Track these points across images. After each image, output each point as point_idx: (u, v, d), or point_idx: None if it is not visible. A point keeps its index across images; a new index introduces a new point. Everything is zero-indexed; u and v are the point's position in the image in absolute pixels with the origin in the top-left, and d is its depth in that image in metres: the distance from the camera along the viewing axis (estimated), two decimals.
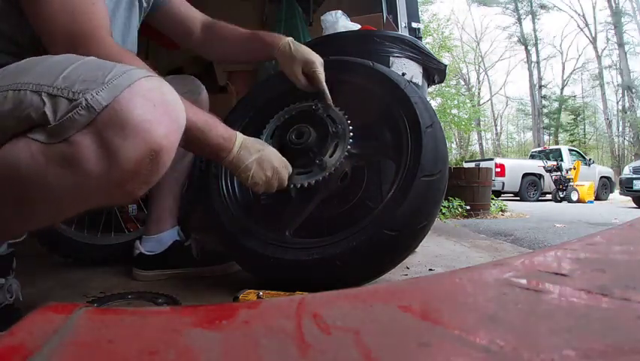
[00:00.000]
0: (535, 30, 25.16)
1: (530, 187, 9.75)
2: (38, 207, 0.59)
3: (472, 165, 8.69)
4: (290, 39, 1.01)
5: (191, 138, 0.73)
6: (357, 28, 1.38)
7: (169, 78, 1.09)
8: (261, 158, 0.83)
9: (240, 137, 0.82)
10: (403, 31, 2.41)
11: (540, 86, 25.20)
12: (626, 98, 22.61)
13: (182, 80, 1.12)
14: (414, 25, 2.50)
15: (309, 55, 0.99)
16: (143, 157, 0.54)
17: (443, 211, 4.08)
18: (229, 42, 1.09)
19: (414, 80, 1.25)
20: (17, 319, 0.22)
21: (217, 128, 0.79)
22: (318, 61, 0.99)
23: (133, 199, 0.60)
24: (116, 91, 0.53)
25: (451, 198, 4.36)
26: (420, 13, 2.79)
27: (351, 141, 0.95)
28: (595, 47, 23.82)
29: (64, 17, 0.67)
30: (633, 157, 19.70)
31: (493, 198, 5.23)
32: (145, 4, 0.99)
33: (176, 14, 1.07)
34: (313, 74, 0.98)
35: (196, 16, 1.10)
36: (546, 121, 25.05)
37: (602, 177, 10.84)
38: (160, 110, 0.56)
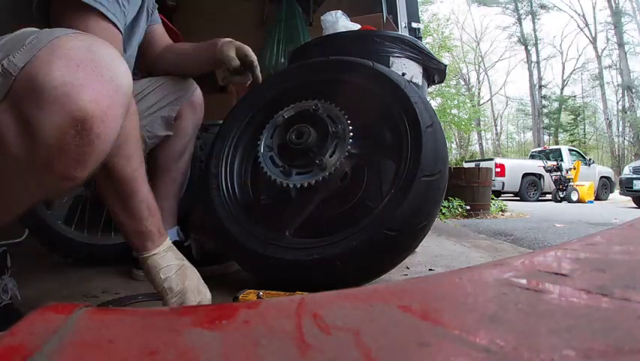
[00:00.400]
0: (535, 30, 25.17)
1: (530, 187, 9.75)
2: None
3: (472, 165, 8.69)
4: (224, 41, 1.07)
5: (130, 211, 0.67)
6: (357, 28, 1.38)
7: (164, 78, 1.10)
8: (184, 266, 0.74)
9: (168, 240, 0.75)
10: (403, 31, 2.41)
11: (540, 86, 25.20)
12: (626, 98, 22.61)
13: (176, 80, 1.12)
14: (414, 25, 2.50)
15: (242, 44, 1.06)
16: (64, 128, 0.46)
17: (443, 211, 4.08)
18: (179, 54, 1.13)
19: (414, 80, 1.25)
20: (17, 319, 0.22)
21: (157, 221, 0.72)
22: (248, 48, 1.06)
23: (72, 183, 0.52)
24: (34, 50, 0.46)
25: (451, 198, 4.36)
26: (420, 13, 2.79)
27: (351, 140, 0.95)
28: (595, 47, 23.83)
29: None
30: (633, 157, 19.70)
31: (493, 198, 5.23)
32: (150, 17, 1.07)
33: (153, 38, 1.13)
34: (245, 57, 1.04)
35: (165, 42, 1.16)
36: (546, 121, 25.05)
37: (602, 177, 10.84)
38: (86, 70, 0.47)
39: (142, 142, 0.74)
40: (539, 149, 12.81)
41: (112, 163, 0.63)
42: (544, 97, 25.49)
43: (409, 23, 2.50)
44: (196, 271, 0.78)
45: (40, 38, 0.48)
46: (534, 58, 25.46)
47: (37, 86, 0.45)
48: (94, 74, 0.47)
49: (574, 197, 8.71)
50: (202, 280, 0.78)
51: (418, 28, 2.52)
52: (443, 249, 1.62)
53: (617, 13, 22.09)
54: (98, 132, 0.48)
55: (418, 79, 1.31)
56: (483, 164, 8.86)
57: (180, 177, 1.17)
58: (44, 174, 0.49)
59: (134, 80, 0.60)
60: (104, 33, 0.72)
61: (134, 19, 0.96)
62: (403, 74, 1.20)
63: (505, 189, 9.43)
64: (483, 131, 26.17)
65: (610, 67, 23.72)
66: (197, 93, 1.18)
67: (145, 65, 1.15)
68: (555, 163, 9.40)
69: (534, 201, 9.38)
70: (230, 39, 1.07)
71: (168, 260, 0.73)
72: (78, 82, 0.46)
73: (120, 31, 0.79)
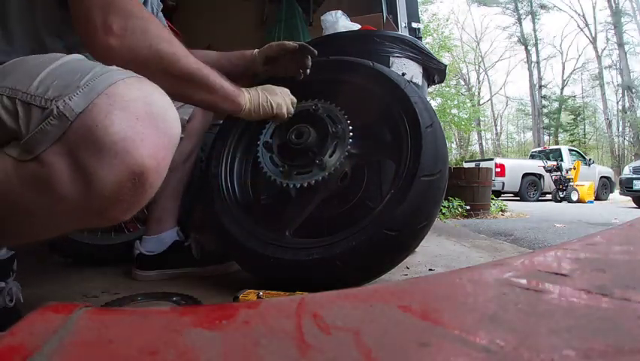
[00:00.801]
0: (535, 30, 25.17)
1: (530, 187, 9.75)
2: (12, 227, 0.53)
3: (472, 165, 8.69)
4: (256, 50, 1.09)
5: (213, 92, 0.75)
6: (357, 28, 1.38)
7: None
8: (265, 89, 0.90)
9: (244, 89, 0.86)
10: (402, 31, 2.41)
11: (540, 86, 25.21)
12: (626, 98, 22.62)
13: None
14: (414, 25, 2.50)
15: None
16: (123, 182, 0.47)
17: (443, 211, 4.08)
18: (203, 59, 1.14)
19: (414, 80, 1.25)
20: (17, 320, 0.22)
21: (225, 80, 0.80)
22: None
23: (118, 222, 0.54)
24: (92, 94, 0.46)
25: (451, 198, 4.36)
26: (420, 13, 2.79)
27: (351, 140, 0.95)
28: (595, 47, 23.84)
29: None
30: (633, 157, 19.70)
31: (493, 198, 5.23)
32: (156, 12, 1.05)
33: None
34: (286, 46, 1.05)
35: None
36: (546, 121, 25.06)
37: (602, 177, 10.84)
38: (144, 123, 0.47)
39: None
40: (539, 149, 12.81)
41: (185, 69, 0.70)
42: (544, 97, 25.50)
43: (409, 23, 2.50)
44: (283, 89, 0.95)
45: (97, 81, 0.48)
46: (534, 58, 25.48)
47: (98, 138, 0.45)
48: (151, 128, 0.48)
49: (574, 197, 8.71)
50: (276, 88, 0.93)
51: (418, 28, 2.52)
52: (443, 249, 1.62)
53: (617, 13, 22.10)
54: (152, 182, 0.50)
55: (418, 79, 1.31)
56: (483, 164, 8.86)
57: (187, 178, 1.17)
58: (95, 217, 0.50)
59: None
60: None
61: None
62: (403, 74, 1.20)
63: (505, 189, 9.43)
64: (483, 131, 26.18)
65: (610, 67, 23.74)
66: None
67: None
68: (555, 163, 9.40)
69: (534, 201, 9.38)
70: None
71: (259, 99, 0.86)
72: (138, 137, 0.47)
73: None
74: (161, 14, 1.12)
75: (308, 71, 1.05)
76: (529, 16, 25.04)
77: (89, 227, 0.55)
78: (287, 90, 0.95)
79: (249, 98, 0.85)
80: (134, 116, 0.47)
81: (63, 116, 0.46)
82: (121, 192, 0.47)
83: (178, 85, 0.69)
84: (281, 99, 0.91)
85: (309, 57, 1.03)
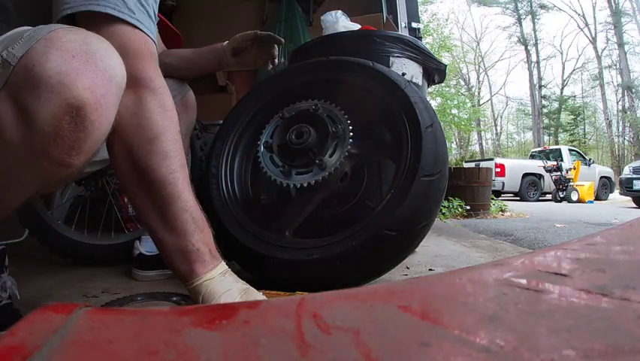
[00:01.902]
0: (535, 30, 25.17)
1: (530, 187, 9.75)
2: None
3: (472, 165, 8.69)
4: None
5: (171, 223, 0.59)
6: (357, 28, 1.38)
7: None
8: (249, 290, 0.64)
9: (224, 263, 0.64)
10: (402, 31, 2.41)
11: (540, 86, 25.21)
12: (626, 98, 22.61)
13: (169, 82, 1.12)
14: (414, 25, 2.50)
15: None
16: (60, 115, 0.47)
17: (443, 211, 4.08)
18: (180, 58, 1.14)
19: (414, 80, 1.25)
20: (16, 319, 0.22)
21: (207, 236, 0.62)
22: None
23: (68, 170, 0.51)
24: (32, 41, 0.48)
25: (451, 198, 4.36)
26: (420, 13, 2.80)
27: (351, 140, 0.95)
28: (595, 47, 23.84)
29: None
30: (633, 157, 19.70)
31: (493, 198, 5.23)
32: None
33: None
34: (255, 34, 1.07)
35: (161, 46, 1.16)
36: (546, 121, 25.06)
37: (602, 177, 10.84)
38: (80, 60, 0.49)
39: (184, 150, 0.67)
40: (539, 149, 12.81)
41: (143, 161, 0.59)
42: (544, 97, 25.50)
43: (409, 23, 2.50)
44: (264, 296, 0.66)
45: (38, 31, 0.50)
46: (534, 58, 25.48)
47: (34, 75, 0.47)
48: (88, 64, 0.49)
49: (574, 197, 8.71)
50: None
51: (418, 28, 2.52)
52: (443, 249, 1.62)
53: (617, 13, 22.09)
54: (93, 119, 0.49)
55: (418, 79, 1.31)
56: (483, 164, 8.87)
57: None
58: (40, 159, 0.50)
59: None
60: (136, 43, 0.63)
61: None
62: (403, 74, 1.20)
63: (505, 189, 9.43)
64: (483, 132, 26.18)
65: (610, 67, 23.74)
66: (190, 94, 1.18)
67: None
68: (555, 163, 9.40)
69: (534, 201, 9.38)
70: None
71: (227, 284, 0.60)
72: (73, 71, 0.47)
73: (153, 40, 0.68)
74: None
75: (276, 60, 1.07)
76: (529, 16, 25.05)
77: (42, 179, 0.53)
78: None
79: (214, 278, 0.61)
80: (69, 53, 0.48)
81: (6, 63, 0.48)
82: (59, 126, 0.48)
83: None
84: None
85: (276, 46, 1.05)
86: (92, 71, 0.49)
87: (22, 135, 0.48)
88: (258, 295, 0.63)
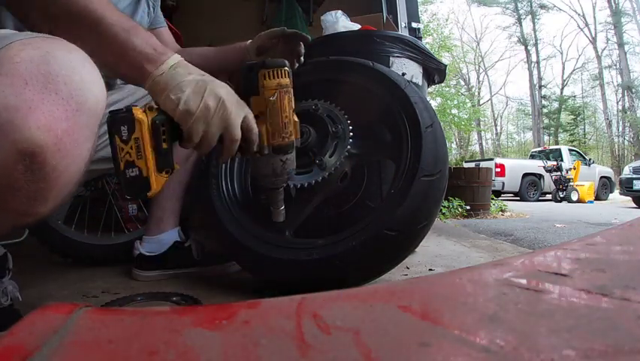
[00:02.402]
0: (535, 30, 25.17)
1: (530, 187, 9.75)
2: None
3: (472, 165, 8.69)
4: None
5: (106, 43, 0.50)
6: (357, 28, 1.38)
7: None
8: (203, 81, 0.54)
9: (177, 55, 0.56)
10: (402, 31, 2.41)
11: (540, 86, 25.21)
12: (626, 98, 22.62)
13: None
14: (414, 25, 2.50)
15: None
16: (10, 165, 0.37)
17: (443, 211, 4.08)
18: (200, 56, 1.08)
19: (414, 80, 1.25)
20: (16, 319, 0.22)
21: (147, 37, 0.54)
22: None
23: (36, 218, 0.44)
24: None
25: (451, 198, 4.36)
26: (420, 13, 2.80)
27: (351, 140, 0.95)
28: (595, 47, 23.83)
29: None
30: (633, 157, 19.70)
31: (493, 198, 5.23)
32: (152, 13, 1.05)
33: (162, 41, 1.09)
34: (283, 31, 0.97)
35: (174, 49, 1.13)
36: (546, 121, 25.06)
37: (602, 177, 10.84)
38: (35, 88, 0.38)
39: None
40: (539, 149, 12.81)
41: None
42: (544, 97, 25.50)
43: (409, 23, 2.50)
44: (227, 87, 0.57)
45: None
46: (534, 58, 25.48)
47: None
48: (46, 92, 0.38)
49: (574, 197, 8.71)
50: (232, 92, 0.57)
51: (418, 28, 2.52)
52: (443, 249, 1.62)
53: (617, 13, 22.09)
54: (54, 164, 0.39)
55: (418, 79, 1.31)
56: (483, 164, 8.86)
57: (186, 179, 1.17)
58: (3, 215, 0.42)
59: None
60: None
61: (133, 8, 0.94)
62: (403, 74, 1.20)
63: (505, 189, 9.43)
64: (483, 132, 26.18)
65: (610, 67, 23.74)
66: None
67: None
68: (555, 163, 9.40)
69: (534, 201, 9.38)
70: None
71: (179, 77, 0.53)
72: (25, 104, 0.37)
73: None
74: (160, 15, 1.12)
75: (302, 58, 1.03)
76: (529, 16, 25.05)
77: (13, 225, 0.45)
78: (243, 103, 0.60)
79: (176, 69, 0.54)
80: (22, 80, 0.37)
81: None
82: (12, 177, 0.38)
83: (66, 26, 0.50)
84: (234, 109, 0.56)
85: (302, 44, 0.99)
86: (51, 102, 0.38)
87: None
88: (215, 83, 0.55)
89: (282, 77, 0.62)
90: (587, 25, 23.89)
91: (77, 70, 0.41)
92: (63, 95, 0.39)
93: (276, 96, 0.61)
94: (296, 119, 0.66)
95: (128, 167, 0.49)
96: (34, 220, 0.45)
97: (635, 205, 7.27)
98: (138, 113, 0.50)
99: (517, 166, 9.86)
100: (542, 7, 24.77)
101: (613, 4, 22.26)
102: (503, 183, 9.29)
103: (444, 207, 4.16)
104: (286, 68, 0.63)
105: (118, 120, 0.48)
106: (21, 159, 0.37)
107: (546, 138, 24.32)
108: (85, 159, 0.44)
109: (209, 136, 0.54)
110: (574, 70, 25.37)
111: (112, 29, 0.51)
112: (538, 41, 25.41)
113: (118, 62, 0.52)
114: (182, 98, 0.52)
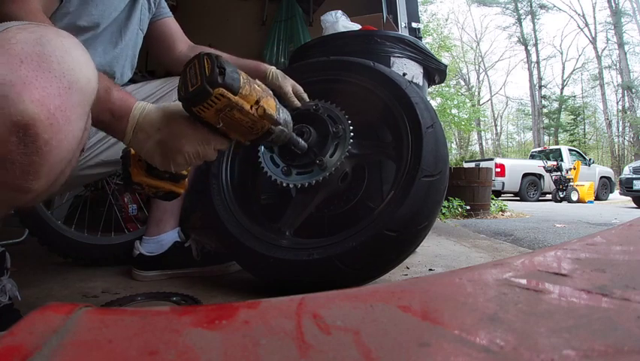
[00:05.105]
0: (535, 30, 25.18)
1: (530, 187, 9.75)
2: None
3: (472, 165, 8.69)
4: (274, 68, 1.05)
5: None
6: (357, 28, 1.38)
7: (162, 80, 1.09)
8: (164, 142, 0.60)
9: (138, 109, 0.59)
10: (402, 31, 2.41)
11: (540, 86, 25.21)
12: (626, 98, 22.62)
13: (167, 80, 1.12)
14: (414, 25, 2.50)
15: (289, 80, 1.04)
16: (4, 136, 0.39)
17: (443, 211, 4.08)
18: None
19: (415, 81, 1.25)
20: (16, 319, 0.22)
21: (104, 101, 0.56)
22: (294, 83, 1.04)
23: (29, 195, 0.45)
24: None
25: (451, 198, 4.36)
26: (420, 13, 2.80)
27: (351, 141, 0.95)
28: (595, 47, 23.84)
29: None
30: (633, 157, 19.71)
31: (493, 198, 5.22)
32: (154, 7, 1.05)
33: (168, 30, 1.13)
34: (301, 94, 1.03)
35: (184, 39, 1.15)
36: (546, 121, 25.07)
37: (602, 177, 10.84)
38: (30, 66, 0.40)
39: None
40: (539, 149, 12.81)
41: None
42: (544, 97, 25.51)
43: (409, 23, 2.50)
44: (188, 130, 0.61)
45: None
46: (534, 58, 25.48)
47: None
48: (40, 70, 0.41)
49: (574, 197, 8.71)
50: (192, 129, 0.62)
51: (418, 28, 2.52)
52: (443, 249, 1.62)
53: (617, 13, 22.10)
54: (47, 138, 0.41)
55: (419, 79, 1.31)
56: (483, 164, 8.87)
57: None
58: None
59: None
60: None
61: (129, 6, 0.94)
62: (404, 75, 1.20)
63: (505, 189, 9.44)
64: (483, 132, 26.19)
65: (610, 67, 23.75)
66: None
67: (162, 63, 1.13)
68: (555, 163, 9.40)
69: (534, 201, 9.38)
70: (276, 69, 1.05)
71: (142, 143, 0.59)
72: (20, 81, 0.39)
73: None
74: (165, 5, 1.12)
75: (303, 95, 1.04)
76: (529, 16, 25.05)
77: (6, 204, 0.46)
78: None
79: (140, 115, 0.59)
80: (17, 58, 0.40)
81: None
82: (6, 149, 0.40)
83: None
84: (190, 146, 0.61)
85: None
86: (45, 78, 0.41)
87: None
88: (175, 138, 0.60)
89: (216, 104, 0.55)
90: (587, 25, 23.91)
91: (70, 51, 0.44)
92: (56, 74, 0.42)
93: (221, 124, 0.58)
94: (266, 106, 0.61)
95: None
96: (28, 200, 0.46)
97: (635, 205, 7.27)
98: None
99: (517, 166, 9.86)
100: (542, 7, 24.78)
101: (613, 4, 22.28)
102: (503, 183, 9.29)
103: (444, 207, 4.16)
104: (215, 96, 0.55)
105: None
106: (15, 131, 0.39)
107: (546, 138, 24.33)
108: (77, 138, 0.46)
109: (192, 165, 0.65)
110: (574, 70, 25.39)
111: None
112: (538, 41, 25.44)
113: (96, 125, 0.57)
114: (156, 163, 0.61)
